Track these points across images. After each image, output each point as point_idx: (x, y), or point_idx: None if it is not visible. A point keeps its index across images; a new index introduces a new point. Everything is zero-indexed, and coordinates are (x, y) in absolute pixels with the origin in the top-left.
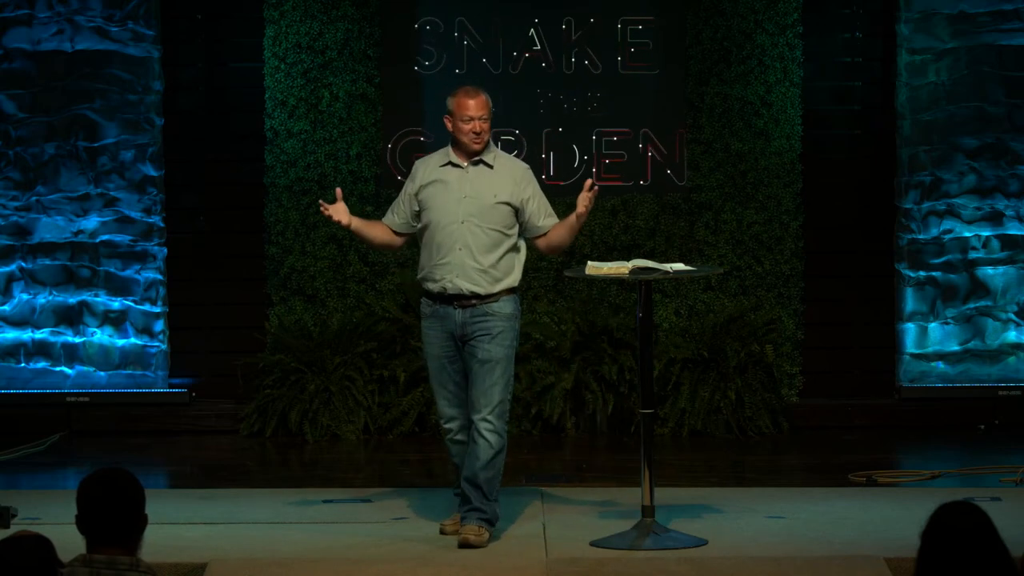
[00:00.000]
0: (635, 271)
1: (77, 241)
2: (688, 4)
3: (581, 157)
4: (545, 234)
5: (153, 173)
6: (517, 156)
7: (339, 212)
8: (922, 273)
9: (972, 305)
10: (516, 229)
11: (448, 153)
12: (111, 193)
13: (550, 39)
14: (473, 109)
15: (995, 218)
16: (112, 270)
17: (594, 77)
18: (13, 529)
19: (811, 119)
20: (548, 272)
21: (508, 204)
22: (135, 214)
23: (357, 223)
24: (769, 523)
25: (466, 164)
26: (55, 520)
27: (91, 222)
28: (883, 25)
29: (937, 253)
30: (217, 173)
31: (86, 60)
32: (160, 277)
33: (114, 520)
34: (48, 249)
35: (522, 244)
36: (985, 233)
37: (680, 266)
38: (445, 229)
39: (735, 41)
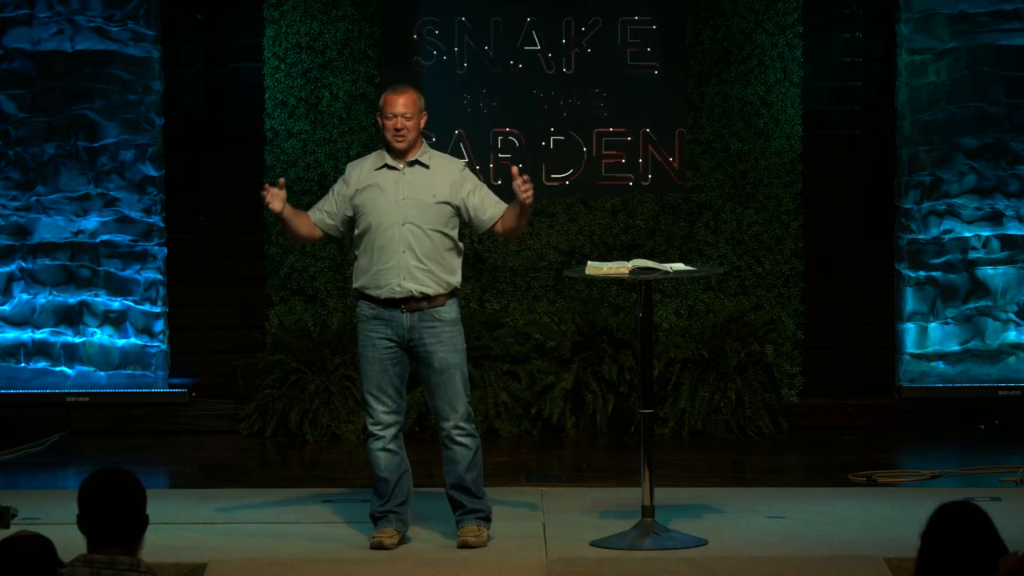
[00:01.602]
0: (635, 271)
1: (77, 241)
2: (688, 4)
3: (581, 157)
4: (498, 220)
5: (153, 173)
6: (515, 156)
7: (276, 199)
8: (922, 273)
9: (972, 305)
10: (456, 230)
11: (382, 156)
12: (111, 193)
13: (550, 39)
14: (396, 106)
15: (995, 218)
16: (112, 270)
17: (594, 77)
18: (13, 529)
19: (811, 119)
20: (548, 272)
21: (447, 203)
22: (135, 214)
23: (288, 212)
24: (769, 523)
25: (402, 166)
26: (55, 520)
27: (91, 222)
28: (883, 25)
29: (937, 253)
30: (217, 173)
31: (86, 60)
32: (160, 277)
33: (115, 520)
34: (48, 249)
35: (462, 245)
36: (985, 233)
37: (680, 266)
38: (386, 232)
39: (735, 41)
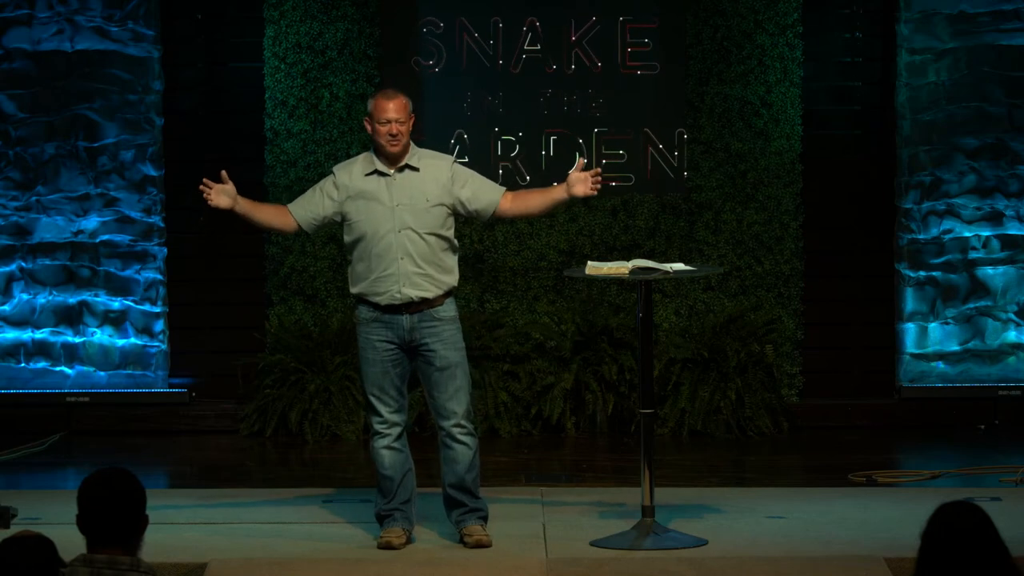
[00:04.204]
0: (635, 271)
1: (77, 241)
2: (688, 4)
3: (581, 157)
4: (500, 203)
5: (153, 173)
6: (515, 156)
7: (220, 195)
8: (922, 273)
9: (972, 305)
10: (452, 229)
11: (372, 160)
12: (111, 193)
13: (550, 39)
14: (390, 111)
15: (995, 218)
16: (112, 270)
17: (594, 77)
18: (13, 529)
19: (811, 119)
20: (548, 272)
21: (442, 205)
22: (135, 214)
23: (244, 206)
24: (769, 523)
25: (392, 171)
26: (55, 520)
27: (91, 222)
28: (883, 25)
29: (937, 253)
30: (217, 173)
31: (86, 60)
32: (160, 277)
33: (115, 520)
34: (48, 249)
35: (457, 242)
36: (985, 233)
37: (680, 266)
38: (383, 240)
39: (735, 41)
